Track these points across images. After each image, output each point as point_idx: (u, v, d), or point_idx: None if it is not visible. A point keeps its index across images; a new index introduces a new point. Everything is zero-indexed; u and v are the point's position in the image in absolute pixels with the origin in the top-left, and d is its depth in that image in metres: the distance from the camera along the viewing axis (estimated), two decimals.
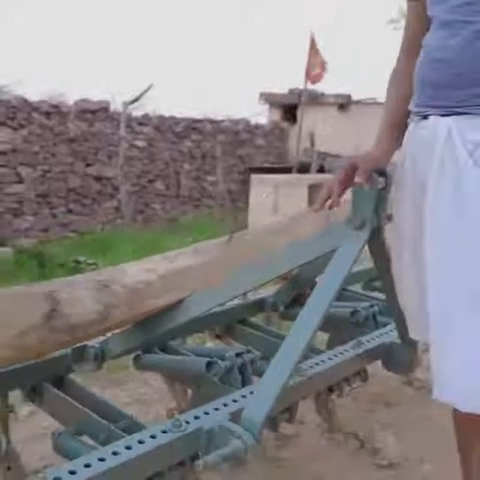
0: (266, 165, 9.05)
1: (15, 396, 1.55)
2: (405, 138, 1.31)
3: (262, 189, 5.46)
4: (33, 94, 10.47)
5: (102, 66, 27.52)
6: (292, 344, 1.19)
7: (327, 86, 10.18)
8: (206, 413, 1.19)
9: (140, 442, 1.07)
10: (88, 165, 7.11)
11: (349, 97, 9.58)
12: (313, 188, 5.92)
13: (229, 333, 1.95)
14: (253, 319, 2.03)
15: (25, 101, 6.51)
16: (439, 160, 1.13)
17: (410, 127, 1.29)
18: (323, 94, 9.47)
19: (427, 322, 1.17)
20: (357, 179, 1.26)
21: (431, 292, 1.14)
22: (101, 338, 1.45)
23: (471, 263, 1.07)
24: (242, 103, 24.07)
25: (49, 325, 1.16)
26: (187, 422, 1.14)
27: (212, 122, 8.49)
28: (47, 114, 6.67)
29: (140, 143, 7.70)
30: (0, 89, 9.88)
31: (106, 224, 7.17)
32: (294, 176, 6.44)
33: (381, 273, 1.44)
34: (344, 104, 9.46)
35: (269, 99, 10.30)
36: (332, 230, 1.36)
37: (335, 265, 1.28)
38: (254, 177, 6.07)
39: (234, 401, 1.26)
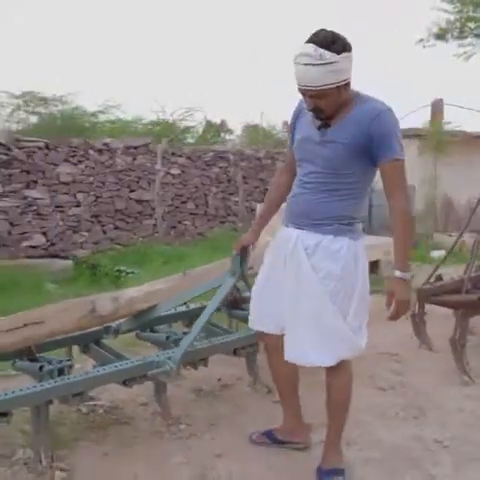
0: None
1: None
2: (278, 234, 2.50)
3: None
4: (90, 105, 12.12)
5: (105, 69, 28.09)
6: (196, 326, 2.71)
7: None
8: (158, 355, 2.72)
9: (129, 363, 2.61)
10: (131, 191, 8.77)
11: None
12: None
13: (192, 324, 3.46)
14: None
15: (84, 142, 8.22)
16: (291, 250, 2.31)
17: (280, 229, 2.45)
18: None
19: (278, 320, 2.43)
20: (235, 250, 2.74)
21: (287, 308, 2.34)
22: (116, 322, 3.00)
23: (302, 299, 2.29)
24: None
25: (92, 315, 2.71)
26: (148, 358, 2.68)
27: (234, 154, 10.06)
28: (100, 151, 8.37)
29: (175, 171, 9.32)
30: (59, 99, 11.71)
31: (145, 238, 8.82)
32: None
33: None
34: None
35: None
36: (224, 274, 2.84)
37: (221, 290, 2.77)
38: (259, 205, 7.54)
39: (173, 352, 2.77)
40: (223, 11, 39.14)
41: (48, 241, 7.75)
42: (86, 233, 8.18)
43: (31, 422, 2.54)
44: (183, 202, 9.48)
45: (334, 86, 2.09)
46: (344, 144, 2.20)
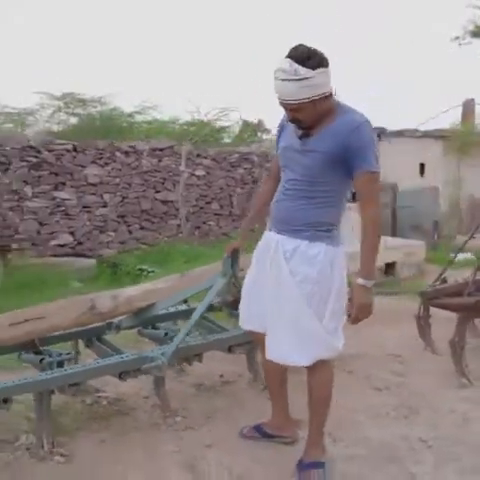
0: None
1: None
2: (263, 237, 2.64)
3: None
4: (127, 106, 12.42)
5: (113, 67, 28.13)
6: (188, 324, 2.86)
7: None
8: (152, 351, 2.89)
9: (124, 357, 2.78)
10: (157, 192, 9.01)
11: (383, 129, 10.84)
12: None
13: None
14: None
15: (110, 144, 8.49)
16: (272, 254, 2.43)
17: (265, 232, 2.65)
18: None
19: (263, 320, 2.67)
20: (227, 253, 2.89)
21: (268, 310, 2.47)
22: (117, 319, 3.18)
23: (282, 302, 2.44)
24: None
25: (91, 312, 2.89)
26: (143, 353, 2.84)
27: (259, 156, 10.19)
28: (126, 153, 8.63)
29: (200, 172, 9.52)
30: (98, 100, 12.04)
31: (170, 238, 9.04)
32: None
33: None
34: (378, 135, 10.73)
35: None
36: (216, 275, 2.98)
37: (211, 290, 2.92)
38: None
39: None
40: (257, 10, 39.20)
41: (75, 240, 8.05)
42: (112, 233, 8.44)
43: (35, 410, 2.74)
44: (208, 203, 9.66)
45: (310, 100, 2.20)
46: (322, 153, 2.30)
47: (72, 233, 8.03)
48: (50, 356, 2.73)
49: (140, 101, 12.66)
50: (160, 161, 8.98)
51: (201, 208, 9.58)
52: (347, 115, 2.30)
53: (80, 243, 8.11)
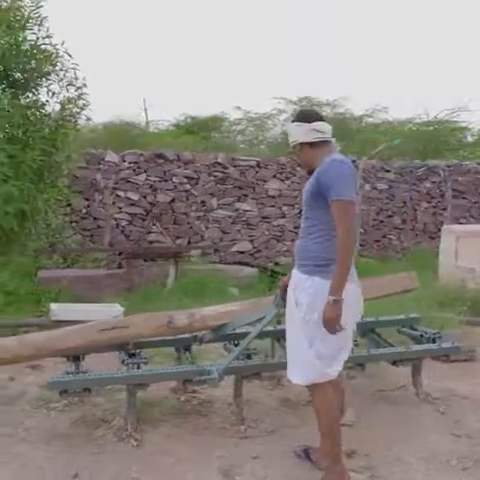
0: None
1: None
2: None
3: (446, 237, 6.75)
4: (357, 109, 12.95)
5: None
6: (239, 347, 3.25)
7: None
8: (211, 365, 3.34)
9: (187, 368, 3.31)
10: None
11: None
12: None
13: (279, 340, 3.95)
14: None
15: (292, 159, 9.06)
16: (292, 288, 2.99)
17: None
18: None
19: None
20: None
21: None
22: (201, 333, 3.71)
23: (288, 326, 2.87)
24: None
25: (168, 326, 3.47)
26: (201, 365, 3.33)
27: (448, 167, 9.69)
28: None
29: (381, 186, 9.49)
30: (331, 103, 12.72)
31: None
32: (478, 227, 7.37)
33: None
34: None
35: None
36: (270, 305, 3.29)
37: (266, 317, 3.25)
38: (444, 227, 7.26)
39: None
40: None
41: (254, 248, 8.83)
42: (289, 242, 9.01)
43: (125, 400, 3.42)
44: (389, 216, 9.59)
45: (292, 144, 2.80)
46: (308, 191, 2.71)
47: (251, 241, 8.82)
48: (130, 358, 3.39)
49: (371, 104, 13.02)
50: None
51: (381, 222, 9.56)
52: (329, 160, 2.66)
53: (258, 250, 8.86)
